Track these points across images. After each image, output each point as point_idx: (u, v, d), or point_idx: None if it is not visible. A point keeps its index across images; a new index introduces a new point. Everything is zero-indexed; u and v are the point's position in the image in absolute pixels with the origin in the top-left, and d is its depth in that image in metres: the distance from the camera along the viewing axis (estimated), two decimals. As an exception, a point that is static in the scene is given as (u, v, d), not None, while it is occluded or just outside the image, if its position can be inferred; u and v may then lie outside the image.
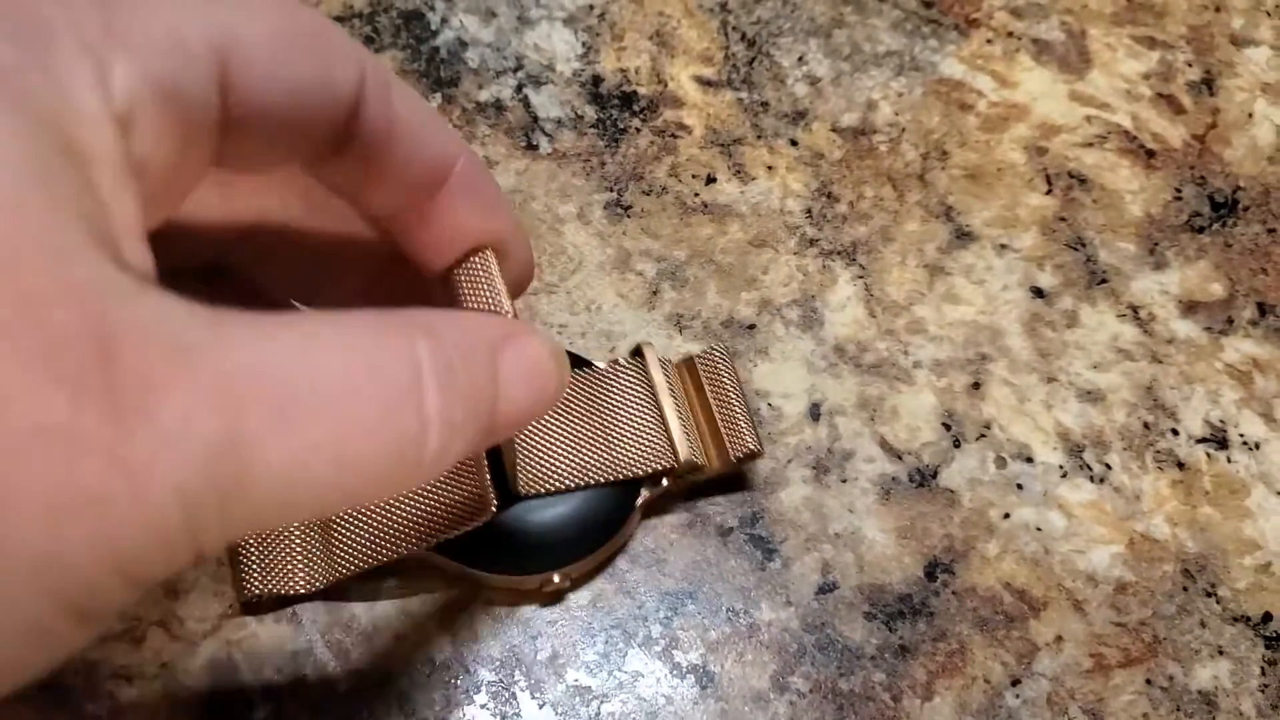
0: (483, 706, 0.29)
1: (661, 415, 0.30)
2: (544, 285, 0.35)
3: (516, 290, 0.25)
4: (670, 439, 0.30)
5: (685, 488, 0.31)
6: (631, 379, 0.31)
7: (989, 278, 0.36)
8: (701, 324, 0.34)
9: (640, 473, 0.29)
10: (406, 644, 0.30)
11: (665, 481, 0.30)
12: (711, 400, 0.31)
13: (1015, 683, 0.30)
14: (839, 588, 0.31)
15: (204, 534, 0.15)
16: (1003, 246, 0.36)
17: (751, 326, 0.34)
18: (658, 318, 0.34)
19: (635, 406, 0.30)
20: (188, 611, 0.30)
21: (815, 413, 0.33)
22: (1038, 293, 0.35)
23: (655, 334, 0.34)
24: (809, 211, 0.36)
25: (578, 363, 0.31)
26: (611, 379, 0.31)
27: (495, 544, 0.29)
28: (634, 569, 0.31)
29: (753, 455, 0.30)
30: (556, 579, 0.29)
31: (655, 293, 0.34)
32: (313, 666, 0.29)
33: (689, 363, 0.32)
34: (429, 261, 0.24)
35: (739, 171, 0.37)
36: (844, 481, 0.32)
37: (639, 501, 0.30)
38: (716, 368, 0.31)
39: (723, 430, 0.31)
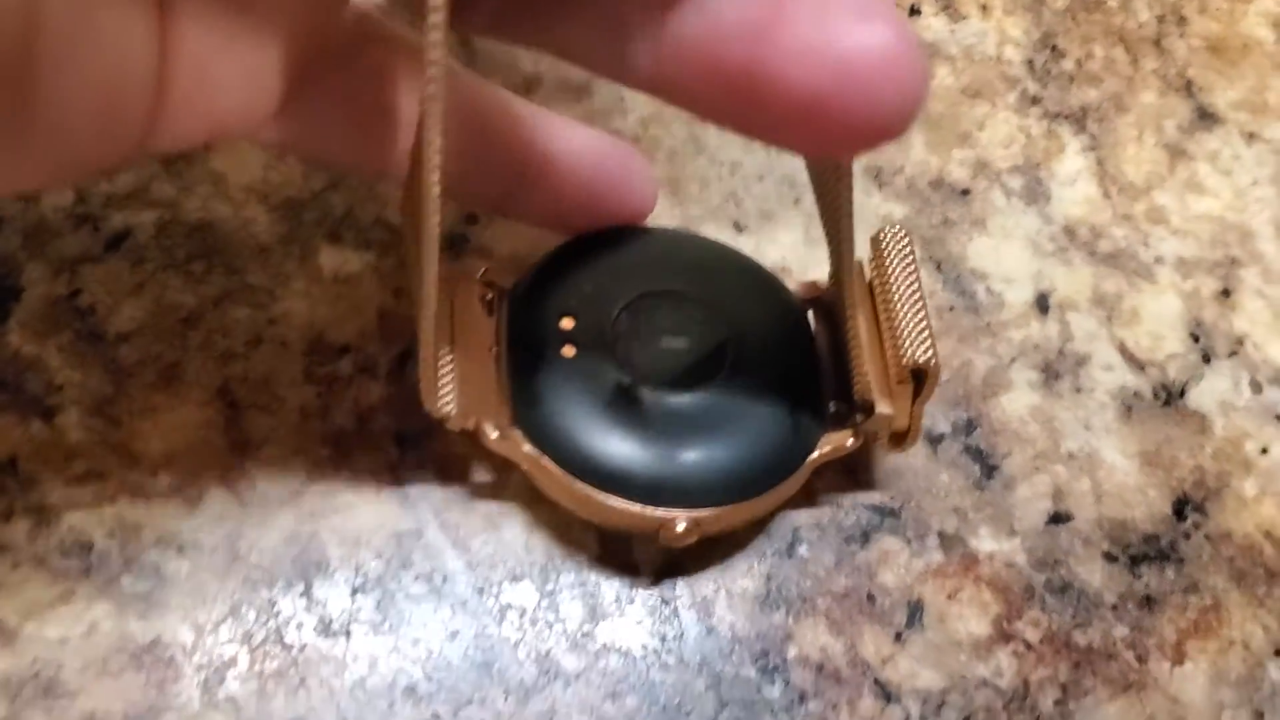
0: (638, 623, 0.23)
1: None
2: (714, 115, 0.28)
3: None
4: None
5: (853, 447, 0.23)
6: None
7: (1236, 168, 0.30)
8: (905, 181, 0.28)
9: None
10: (541, 538, 0.23)
11: (850, 442, 0.23)
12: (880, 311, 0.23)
13: (1279, 652, 0.24)
14: (1073, 519, 0.25)
15: None
16: (1251, 135, 0.30)
17: (966, 192, 0.28)
18: (853, 168, 0.28)
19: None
20: (260, 470, 0.23)
21: (1043, 304, 0.27)
22: (1291, 193, 0.29)
23: (849, 188, 0.27)
24: (1030, 64, 0.30)
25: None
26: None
27: (618, 459, 0.21)
28: (823, 472, 0.24)
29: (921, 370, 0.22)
30: (681, 526, 0.21)
31: (850, 138, 0.28)
32: (423, 552, 0.22)
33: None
34: None
35: (947, 6, 0.30)
36: (1078, 391, 0.26)
37: (810, 458, 0.22)
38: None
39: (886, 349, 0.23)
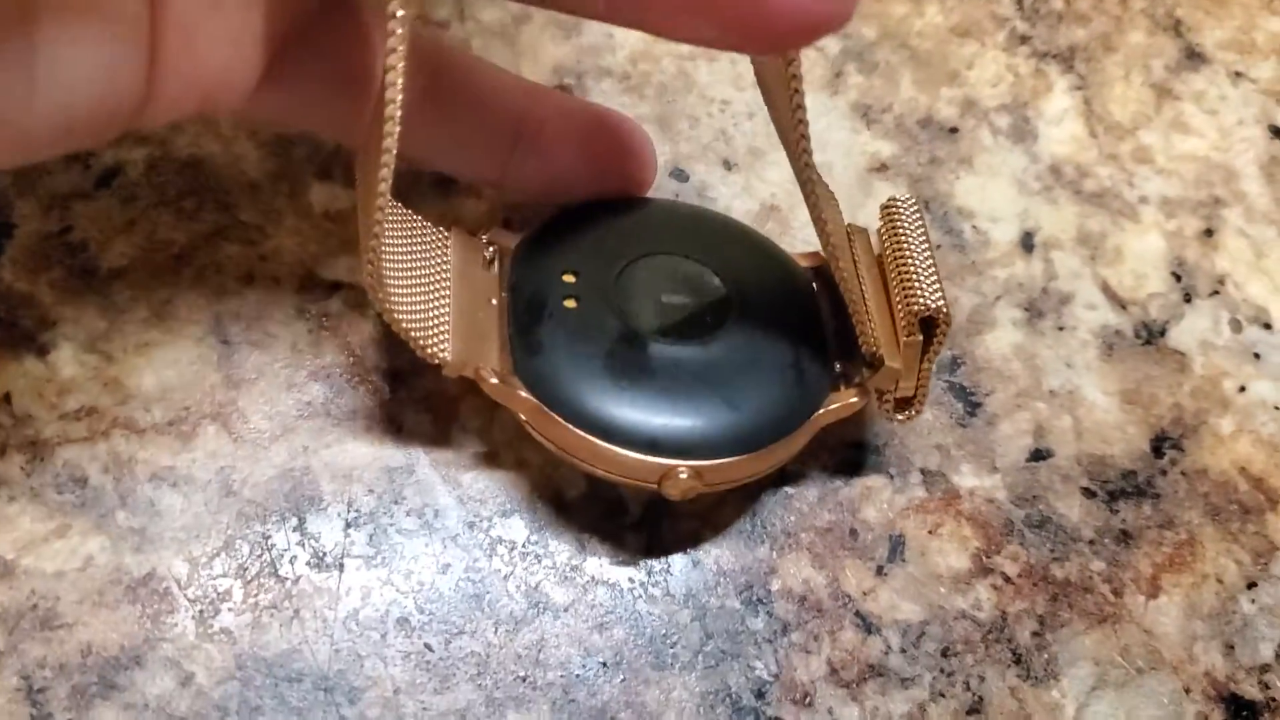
0: (626, 557, 0.23)
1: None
2: (707, 56, 0.28)
3: None
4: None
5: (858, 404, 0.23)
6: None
7: (1222, 108, 0.30)
8: (893, 119, 0.28)
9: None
10: (531, 474, 0.23)
11: (855, 398, 0.22)
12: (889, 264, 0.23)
13: (1251, 585, 0.25)
14: (1054, 455, 0.25)
15: None
16: (1238, 74, 0.30)
17: (954, 130, 0.28)
18: (840, 105, 0.28)
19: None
20: (252, 405, 0.23)
21: (1028, 243, 0.27)
22: (1276, 132, 0.30)
23: (837, 124, 0.27)
24: (1019, 3, 0.30)
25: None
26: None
27: (618, 410, 0.21)
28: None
29: (933, 320, 0.22)
30: (684, 474, 0.21)
31: (838, 75, 0.28)
32: (415, 488, 0.23)
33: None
34: None
35: (938, -56, 0.30)
36: (1060, 330, 0.26)
37: (815, 414, 0.22)
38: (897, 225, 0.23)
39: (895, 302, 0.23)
